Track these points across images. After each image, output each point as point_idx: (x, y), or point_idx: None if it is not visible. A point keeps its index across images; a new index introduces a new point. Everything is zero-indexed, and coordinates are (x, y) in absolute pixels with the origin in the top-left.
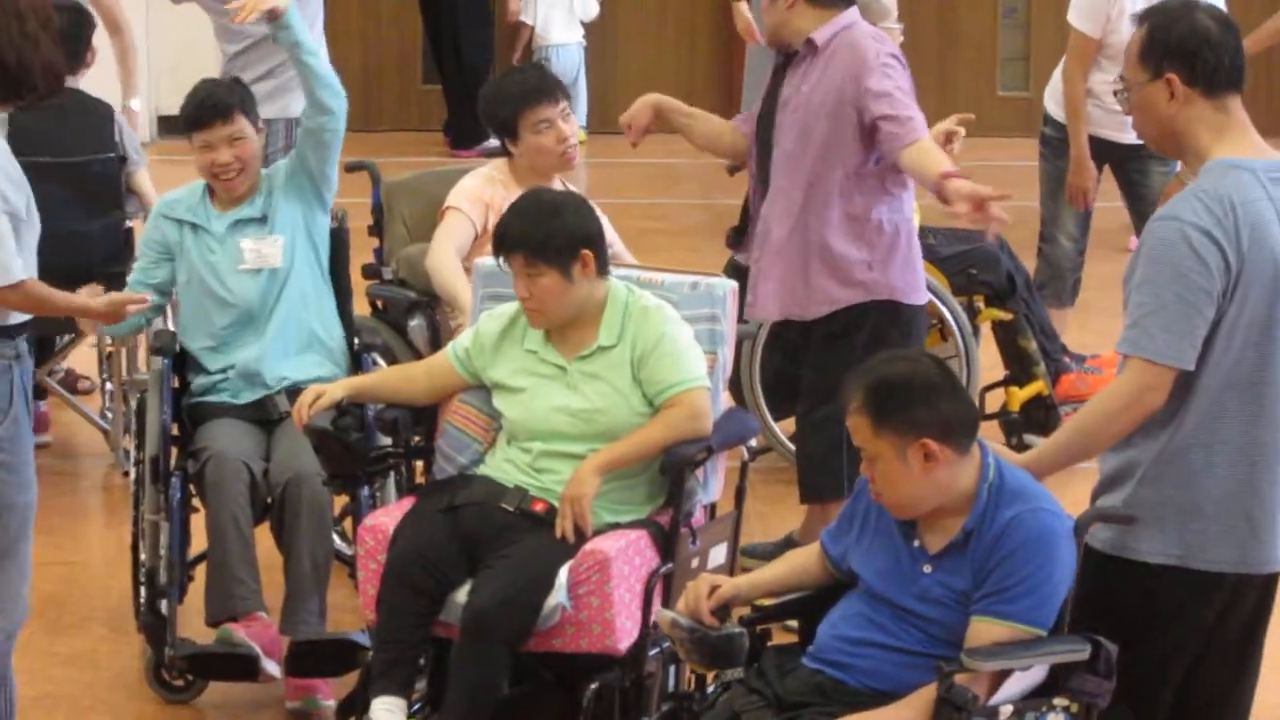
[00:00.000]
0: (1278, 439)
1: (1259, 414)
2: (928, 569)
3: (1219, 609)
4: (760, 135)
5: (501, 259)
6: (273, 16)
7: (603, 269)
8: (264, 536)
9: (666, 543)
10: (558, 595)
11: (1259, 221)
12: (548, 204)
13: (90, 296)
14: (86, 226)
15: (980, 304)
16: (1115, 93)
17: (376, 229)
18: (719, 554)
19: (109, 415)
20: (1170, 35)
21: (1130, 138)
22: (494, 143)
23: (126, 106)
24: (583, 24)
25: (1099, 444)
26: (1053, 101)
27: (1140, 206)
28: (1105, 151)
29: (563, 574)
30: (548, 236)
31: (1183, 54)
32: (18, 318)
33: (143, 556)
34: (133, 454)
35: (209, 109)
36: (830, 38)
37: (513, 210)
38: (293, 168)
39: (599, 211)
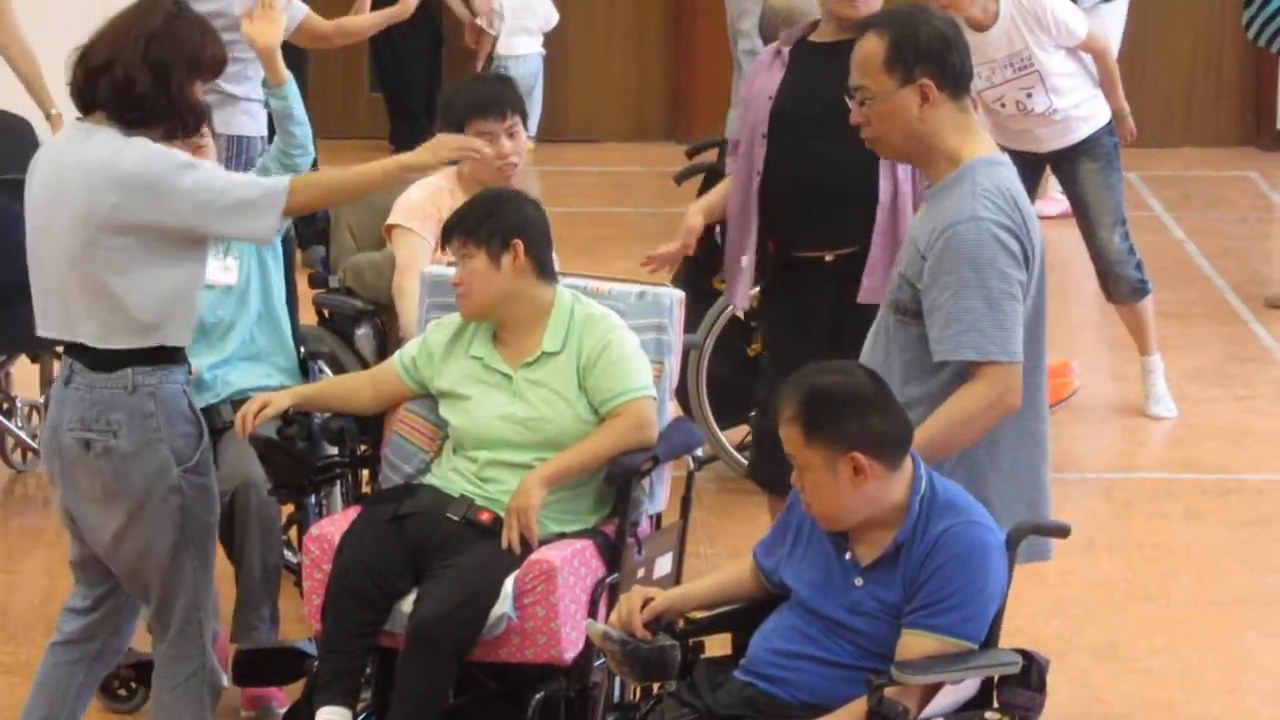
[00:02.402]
0: (1046, 429)
1: (1031, 404)
2: (859, 581)
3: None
4: (781, 127)
5: (447, 249)
6: (274, 81)
7: (544, 272)
8: None
9: (612, 553)
10: (503, 605)
11: (1031, 214)
12: (493, 195)
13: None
14: None
15: None
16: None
17: (323, 238)
18: (664, 564)
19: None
20: (919, 40)
21: (1048, 146)
22: None
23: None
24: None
25: (960, 444)
26: (984, 121)
27: (1078, 205)
28: (1035, 162)
29: (508, 584)
30: (481, 220)
31: (933, 58)
32: (171, 340)
33: None
34: None
35: None
36: None
37: (465, 202)
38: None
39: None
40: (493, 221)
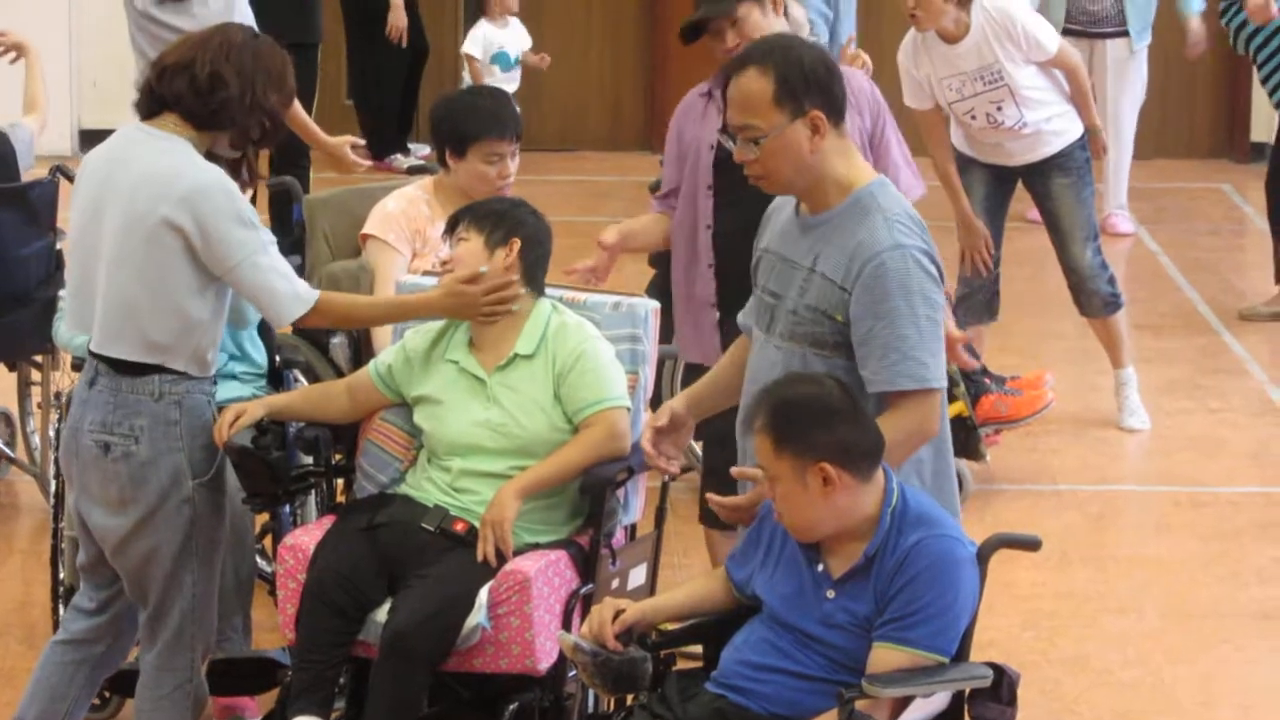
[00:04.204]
0: (950, 444)
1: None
2: (831, 594)
3: None
4: (727, 178)
5: (451, 236)
6: None
7: (531, 281)
8: None
9: (586, 564)
10: (478, 615)
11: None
12: (514, 200)
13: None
14: (27, 250)
15: None
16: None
17: (298, 246)
18: (638, 575)
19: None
20: (804, 73)
21: (1018, 159)
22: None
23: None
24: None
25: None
26: (955, 134)
27: (1050, 220)
28: (1006, 176)
29: (483, 594)
30: (491, 212)
31: (820, 89)
32: (176, 365)
33: (61, 573)
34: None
35: None
36: None
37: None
38: None
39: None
40: (501, 216)
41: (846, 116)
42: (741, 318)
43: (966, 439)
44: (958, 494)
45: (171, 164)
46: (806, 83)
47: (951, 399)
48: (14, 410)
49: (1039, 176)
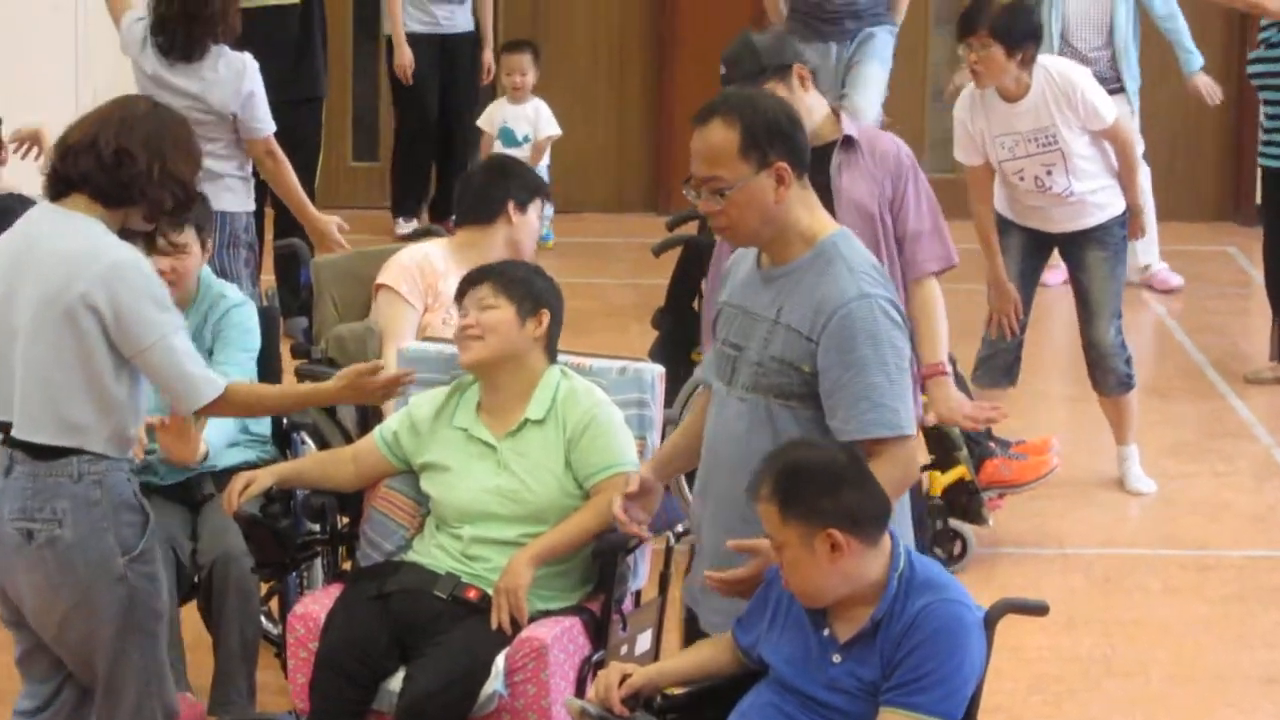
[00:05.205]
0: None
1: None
2: (837, 659)
3: None
4: None
5: (464, 296)
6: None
7: (550, 351)
8: (190, 616)
9: (598, 630)
10: (494, 683)
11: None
12: (532, 266)
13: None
14: None
15: None
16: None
17: (306, 309)
18: (645, 640)
19: None
20: (768, 125)
21: (1059, 226)
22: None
23: None
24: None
25: None
26: (998, 195)
27: (1080, 292)
28: (1043, 242)
29: (499, 661)
30: (520, 279)
31: (783, 140)
32: (93, 447)
33: None
34: None
35: None
36: (859, 131)
37: (501, 261)
38: (221, 333)
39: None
40: (530, 285)
41: (865, 184)
42: (700, 372)
43: (969, 502)
44: (909, 519)
45: (86, 243)
46: (771, 134)
47: (954, 462)
48: None
49: (1076, 247)
